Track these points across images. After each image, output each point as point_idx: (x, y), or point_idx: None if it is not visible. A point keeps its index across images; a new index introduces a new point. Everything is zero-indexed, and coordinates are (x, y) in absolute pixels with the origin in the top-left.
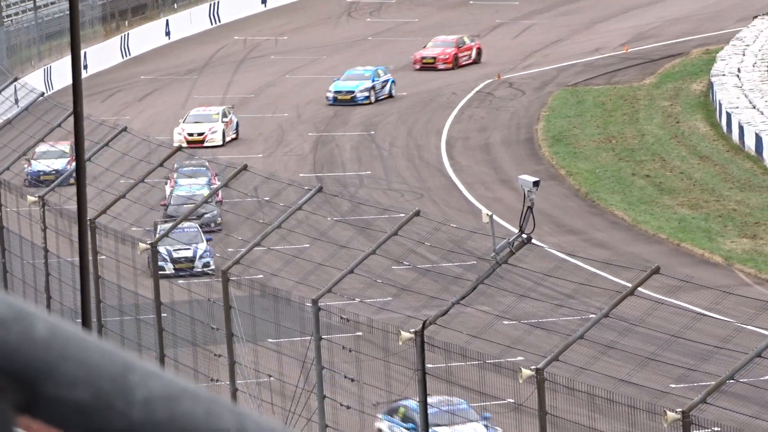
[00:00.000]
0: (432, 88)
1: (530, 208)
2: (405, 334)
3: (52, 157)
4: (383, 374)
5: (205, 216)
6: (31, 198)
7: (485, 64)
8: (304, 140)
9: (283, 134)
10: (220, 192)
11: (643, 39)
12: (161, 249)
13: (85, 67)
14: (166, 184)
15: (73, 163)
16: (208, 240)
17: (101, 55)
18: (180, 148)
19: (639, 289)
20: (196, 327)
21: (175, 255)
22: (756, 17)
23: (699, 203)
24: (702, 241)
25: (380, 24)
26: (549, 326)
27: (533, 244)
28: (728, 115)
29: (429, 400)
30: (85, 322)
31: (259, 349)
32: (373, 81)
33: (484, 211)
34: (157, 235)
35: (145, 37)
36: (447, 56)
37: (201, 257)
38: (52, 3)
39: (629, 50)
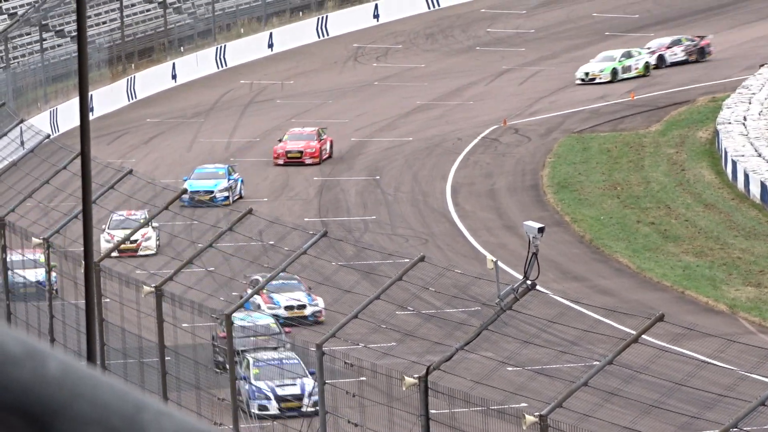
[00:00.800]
0: (437, 134)
1: (535, 254)
2: (409, 380)
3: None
4: (387, 420)
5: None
6: (35, 240)
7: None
8: (309, 185)
9: (288, 178)
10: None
11: (649, 86)
12: (261, 384)
13: (92, 109)
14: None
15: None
16: (311, 373)
17: (108, 97)
18: (185, 191)
19: (643, 336)
20: (200, 371)
21: (279, 392)
22: (762, 66)
23: (704, 251)
24: (706, 288)
25: (387, 69)
26: (553, 373)
27: (537, 290)
28: (734, 163)
29: None
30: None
31: None
32: (229, 179)
33: (489, 257)
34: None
35: (152, 80)
36: (313, 149)
37: (310, 394)
38: (58, 45)
39: (635, 97)
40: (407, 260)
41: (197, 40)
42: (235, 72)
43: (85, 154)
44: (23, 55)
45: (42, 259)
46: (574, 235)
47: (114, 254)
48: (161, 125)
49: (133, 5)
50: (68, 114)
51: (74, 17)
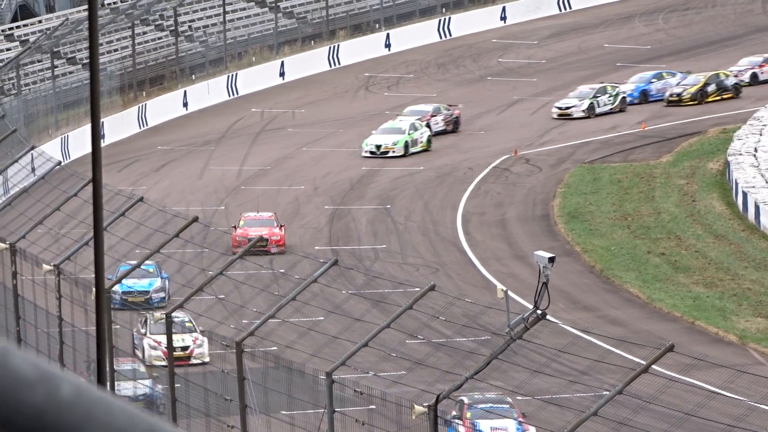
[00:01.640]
0: (448, 163)
1: (545, 284)
2: (418, 408)
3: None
4: None
5: None
6: (46, 267)
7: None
8: (320, 213)
9: (299, 207)
10: None
11: (660, 117)
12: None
13: (103, 136)
14: None
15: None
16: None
17: (119, 125)
18: (196, 219)
19: (653, 366)
20: (210, 398)
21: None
22: None
23: (714, 282)
24: (716, 319)
25: (398, 98)
26: (562, 402)
27: (548, 320)
28: (744, 195)
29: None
30: None
31: (272, 421)
32: (162, 277)
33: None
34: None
35: (163, 107)
36: (278, 237)
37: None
38: (70, 72)
39: (646, 128)
40: (417, 289)
41: (209, 68)
42: (246, 100)
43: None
44: (35, 82)
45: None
46: (584, 265)
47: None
48: (172, 153)
49: (144, 33)
50: (79, 141)
51: (86, 44)
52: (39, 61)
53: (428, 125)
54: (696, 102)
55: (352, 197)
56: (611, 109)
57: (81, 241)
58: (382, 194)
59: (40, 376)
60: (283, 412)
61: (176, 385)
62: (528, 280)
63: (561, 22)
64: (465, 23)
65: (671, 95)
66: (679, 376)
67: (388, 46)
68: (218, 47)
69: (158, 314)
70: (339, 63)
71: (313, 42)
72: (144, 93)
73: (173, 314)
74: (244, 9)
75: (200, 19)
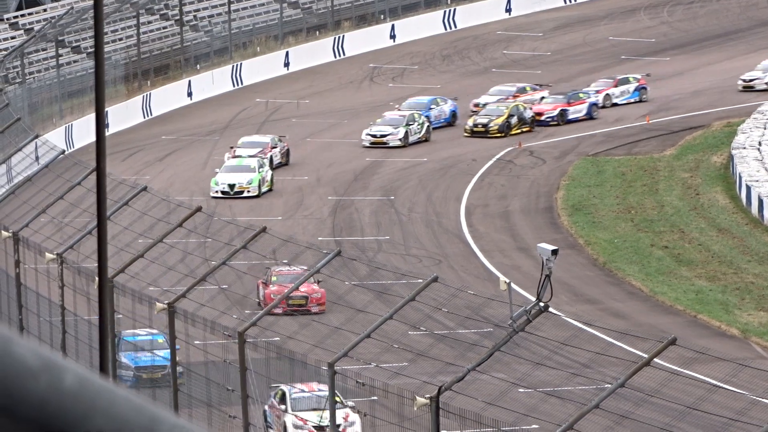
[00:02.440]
0: (451, 155)
1: (548, 276)
2: (420, 400)
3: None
4: None
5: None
6: (49, 255)
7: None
8: (323, 204)
9: (303, 197)
10: None
11: (665, 110)
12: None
13: (107, 125)
14: None
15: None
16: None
17: (123, 114)
18: (200, 209)
19: (655, 359)
20: (212, 388)
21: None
22: None
23: (717, 275)
24: (719, 313)
25: (402, 89)
26: (564, 395)
27: (550, 312)
28: (748, 188)
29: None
30: None
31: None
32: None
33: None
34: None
35: (167, 97)
36: (320, 294)
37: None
38: (74, 61)
39: (650, 121)
40: (420, 280)
41: (213, 58)
42: (250, 90)
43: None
44: (39, 71)
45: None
46: (587, 258)
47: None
48: (176, 142)
49: (149, 22)
50: (83, 130)
51: (91, 33)
52: (43, 50)
53: (271, 158)
54: (502, 135)
55: (355, 188)
56: (419, 138)
57: (84, 230)
58: (385, 185)
59: (43, 365)
60: None
61: (178, 374)
62: (531, 272)
63: (566, 14)
64: (470, 15)
65: (476, 125)
66: (681, 370)
67: (393, 37)
68: (223, 37)
69: (160, 305)
70: (344, 54)
71: (318, 32)
72: (148, 82)
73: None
74: None
75: (205, 8)
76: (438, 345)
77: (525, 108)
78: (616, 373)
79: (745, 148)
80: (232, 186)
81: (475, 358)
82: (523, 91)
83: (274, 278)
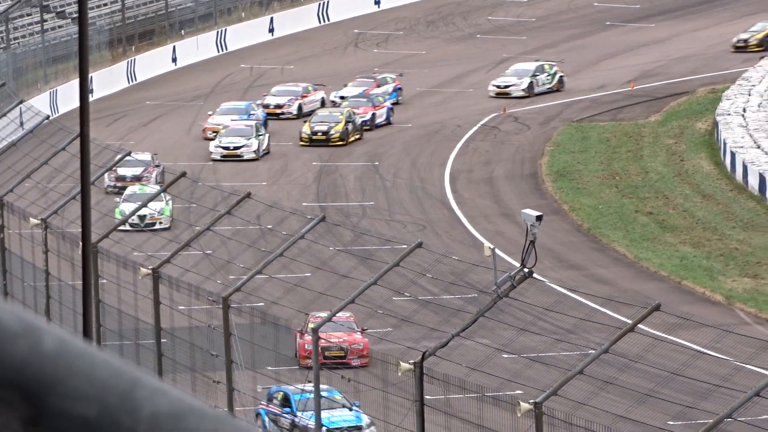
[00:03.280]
0: (436, 120)
1: (532, 242)
2: (404, 365)
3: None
4: (381, 405)
5: None
6: (33, 220)
7: None
8: (308, 169)
9: (288, 163)
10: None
11: (649, 77)
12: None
13: (91, 91)
14: None
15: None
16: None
17: (107, 79)
18: (184, 174)
19: (639, 325)
20: (196, 353)
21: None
22: (763, 57)
23: (701, 242)
24: (703, 279)
25: (387, 55)
26: (548, 361)
27: (534, 278)
28: (732, 155)
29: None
30: None
31: (258, 377)
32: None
33: (487, 244)
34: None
35: (152, 62)
36: (362, 346)
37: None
38: (59, 26)
39: (635, 87)
40: (405, 246)
41: (198, 24)
42: (235, 56)
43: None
44: (24, 36)
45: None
46: (572, 224)
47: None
48: (161, 108)
49: None
50: (68, 95)
51: None
52: (28, 15)
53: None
54: (344, 142)
55: (339, 154)
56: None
57: (68, 195)
58: (370, 151)
59: (24, 329)
60: (269, 368)
61: (162, 341)
62: (515, 238)
63: None
64: None
65: (315, 132)
66: (665, 336)
67: (377, 3)
68: (207, 3)
69: (144, 270)
70: (328, 19)
71: None
72: (133, 48)
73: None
74: None
75: None
76: (422, 311)
77: (355, 114)
78: (601, 339)
79: (729, 114)
80: (142, 218)
81: (460, 323)
82: (307, 91)
83: (310, 325)
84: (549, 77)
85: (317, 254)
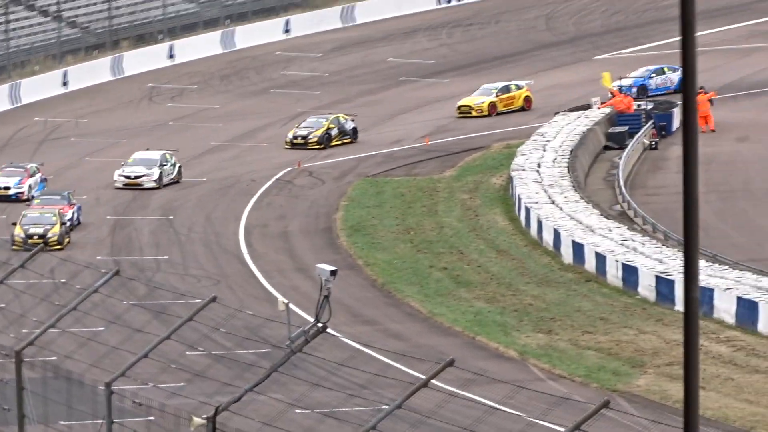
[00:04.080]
0: (231, 174)
1: (327, 297)
2: (197, 420)
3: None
4: None
5: None
6: None
7: None
8: (102, 223)
9: (82, 216)
10: None
11: (444, 132)
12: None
13: None
14: None
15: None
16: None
17: None
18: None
19: (433, 381)
20: None
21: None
22: (557, 113)
23: (496, 297)
24: (497, 334)
25: (182, 109)
26: (342, 416)
27: (329, 333)
28: (527, 210)
29: None
30: None
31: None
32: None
33: (281, 299)
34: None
35: None
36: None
37: None
38: None
39: (429, 142)
40: (199, 300)
41: None
42: (29, 109)
43: None
44: None
45: None
46: (366, 279)
47: None
48: None
49: None
50: None
51: None
52: None
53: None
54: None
55: (134, 208)
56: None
57: None
58: (164, 205)
59: None
60: (62, 423)
61: None
62: (310, 293)
63: (345, 36)
64: (249, 35)
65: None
66: (459, 391)
67: (171, 56)
68: (0, 56)
69: None
70: (123, 73)
71: (96, 52)
72: None
73: None
74: (27, 18)
75: None
76: (216, 365)
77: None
78: (394, 395)
79: (524, 169)
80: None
81: (253, 378)
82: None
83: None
84: (172, 167)
85: (111, 308)
